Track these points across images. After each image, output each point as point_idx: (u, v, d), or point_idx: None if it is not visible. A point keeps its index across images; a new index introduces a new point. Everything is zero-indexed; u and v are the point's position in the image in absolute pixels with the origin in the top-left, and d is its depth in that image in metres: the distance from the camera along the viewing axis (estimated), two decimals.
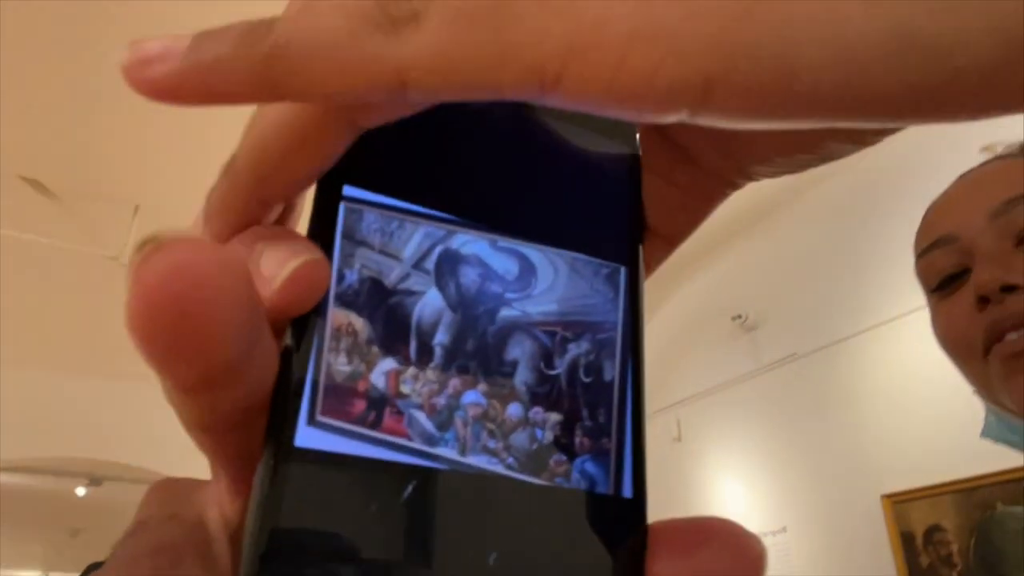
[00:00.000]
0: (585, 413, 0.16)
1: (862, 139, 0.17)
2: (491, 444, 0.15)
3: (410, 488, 0.14)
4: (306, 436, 0.13)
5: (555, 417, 0.16)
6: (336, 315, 0.14)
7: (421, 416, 0.15)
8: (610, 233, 0.18)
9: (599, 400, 0.16)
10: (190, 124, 2.94)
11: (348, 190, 0.15)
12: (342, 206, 0.15)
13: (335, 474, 0.13)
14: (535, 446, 0.15)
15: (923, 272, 0.66)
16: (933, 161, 2.70)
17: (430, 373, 0.15)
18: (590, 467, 0.16)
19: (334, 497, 0.13)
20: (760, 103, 0.12)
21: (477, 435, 0.15)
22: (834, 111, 0.13)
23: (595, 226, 0.18)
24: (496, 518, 0.14)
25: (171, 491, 0.16)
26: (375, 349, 0.15)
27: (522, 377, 0.16)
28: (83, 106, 2.81)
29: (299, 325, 0.14)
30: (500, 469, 0.15)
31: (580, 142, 0.18)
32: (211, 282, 0.11)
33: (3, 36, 2.42)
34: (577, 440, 0.16)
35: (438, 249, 0.16)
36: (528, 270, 0.17)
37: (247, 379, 0.13)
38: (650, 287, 0.18)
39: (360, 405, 0.14)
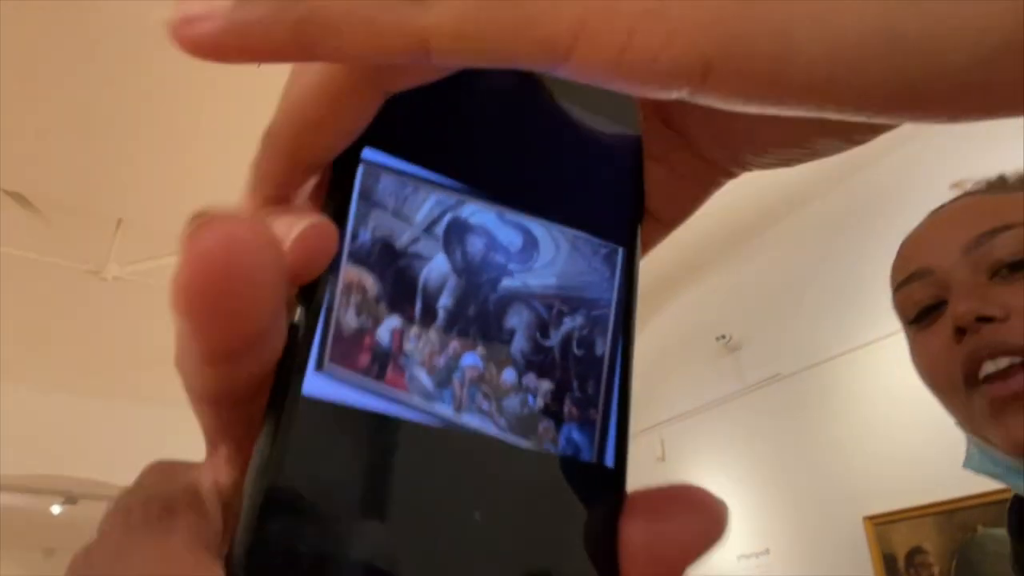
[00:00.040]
0: (575, 384, 0.17)
1: (850, 136, 0.17)
2: (485, 406, 0.16)
3: (405, 443, 0.15)
4: (314, 384, 0.14)
5: (547, 385, 0.16)
6: (348, 272, 0.15)
7: (421, 373, 0.15)
8: (610, 214, 0.19)
9: (589, 373, 0.17)
10: (172, 138, 2.93)
11: (367, 153, 0.16)
12: (360, 168, 0.16)
13: (337, 424, 0.14)
14: (526, 411, 0.16)
15: (900, 304, 0.68)
16: (915, 186, 2.75)
17: (432, 334, 0.16)
18: (576, 435, 0.16)
19: (334, 446, 0.14)
20: (753, 87, 0.13)
21: (472, 396, 0.16)
22: (822, 101, 0.14)
23: (597, 206, 0.18)
24: (484, 477, 0.15)
25: (164, 465, 0.16)
26: (382, 307, 0.15)
27: (518, 345, 0.16)
28: (67, 120, 2.80)
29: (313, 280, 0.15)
30: (491, 430, 0.16)
31: (588, 126, 0.19)
32: (251, 255, 0.13)
33: None
34: (566, 409, 0.16)
35: (448, 216, 0.17)
36: (531, 244, 0.17)
37: (265, 349, 0.14)
38: None
39: (366, 357, 0.15)
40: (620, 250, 0.18)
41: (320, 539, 0.13)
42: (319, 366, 0.14)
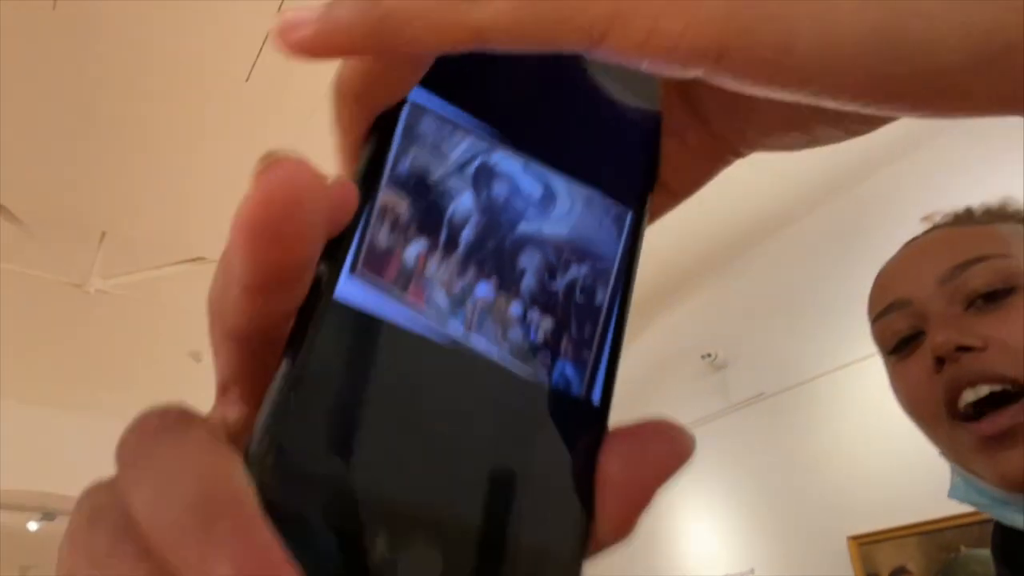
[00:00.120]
0: (574, 326, 0.18)
1: (847, 127, 0.19)
2: (491, 332, 0.17)
3: (417, 356, 0.16)
4: (345, 288, 0.16)
5: (548, 322, 0.18)
6: (386, 195, 0.17)
7: (439, 295, 0.17)
8: (625, 179, 0.20)
9: (587, 318, 0.19)
10: (157, 152, 2.92)
11: (414, 93, 0.18)
12: (407, 106, 0.18)
13: (359, 330, 0.16)
14: (527, 343, 0.18)
15: (879, 335, 0.69)
16: (899, 207, 2.78)
17: (453, 261, 0.17)
18: (569, 371, 0.18)
19: (354, 351, 0.16)
20: (759, 71, 0.16)
21: (482, 322, 0.17)
22: (819, 88, 0.16)
23: (614, 170, 0.20)
24: (482, 397, 0.17)
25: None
26: (412, 230, 0.17)
27: (527, 283, 0.18)
28: (51, 133, 2.79)
29: (361, 185, 0.17)
30: (494, 355, 0.17)
31: (614, 98, 0.21)
32: (309, 192, 0.15)
33: None
34: (563, 346, 0.18)
35: (479, 159, 0.19)
36: (550, 195, 0.19)
37: (299, 286, 0.16)
38: None
39: (392, 272, 0.17)
40: (630, 213, 0.20)
41: (333, 439, 0.15)
42: (352, 269, 0.16)
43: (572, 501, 0.17)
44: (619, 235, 0.20)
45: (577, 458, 0.17)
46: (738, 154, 0.22)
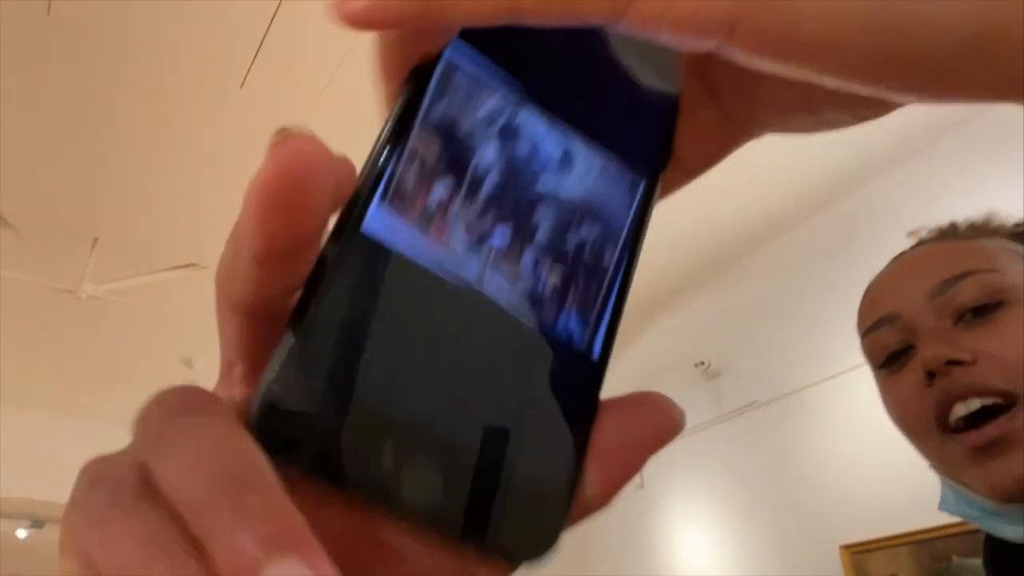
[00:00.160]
0: (581, 283, 0.19)
1: (855, 111, 0.21)
2: (503, 280, 0.18)
3: (430, 295, 0.17)
4: (373, 220, 0.17)
5: (556, 277, 0.19)
6: (418, 138, 0.18)
7: (458, 238, 0.18)
8: (642, 151, 0.22)
9: (593, 278, 0.20)
10: (149, 157, 2.92)
11: (452, 43, 0.19)
12: (444, 58, 0.19)
13: (379, 265, 0.17)
14: (535, 293, 0.19)
15: (869, 349, 0.70)
16: (892, 217, 2.79)
17: (473, 208, 0.18)
18: (572, 325, 0.19)
19: (373, 283, 0.17)
20: (767, 45, 0.17)
21: (495, 268, 0.18)
22: (823, 65, 0.17)
23: (632, 141, 0.21)
24: (489, 341, 0.18)
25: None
26: (437, 174, 0.18)
27: (541, 237, 0.19)
28: (43, 139, 2.78)
29: (393, 127, 0.18)
30: (503, 302, 0.18)
31: (637, 72, 0.22)
32: (320, 165, 0.16)
33: None
34: (568, 301, 0.19)
35: (507, 114, 0.20)
36: (569, 157, 0.20)
37: (305, 262, 0.16)
38: None
39: (417, 210, 0.18)
40: (643, 183, 0.21)
41: (348, 357, 0.16)
42: (381, 200, 0.17)
43: (566, 445, 0.18)
44: (631, 203, 0.21)
45: (573, 406, 0.18)
46: (751, 134, 0.23)
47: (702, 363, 3.68)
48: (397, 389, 0.16)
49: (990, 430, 0.59)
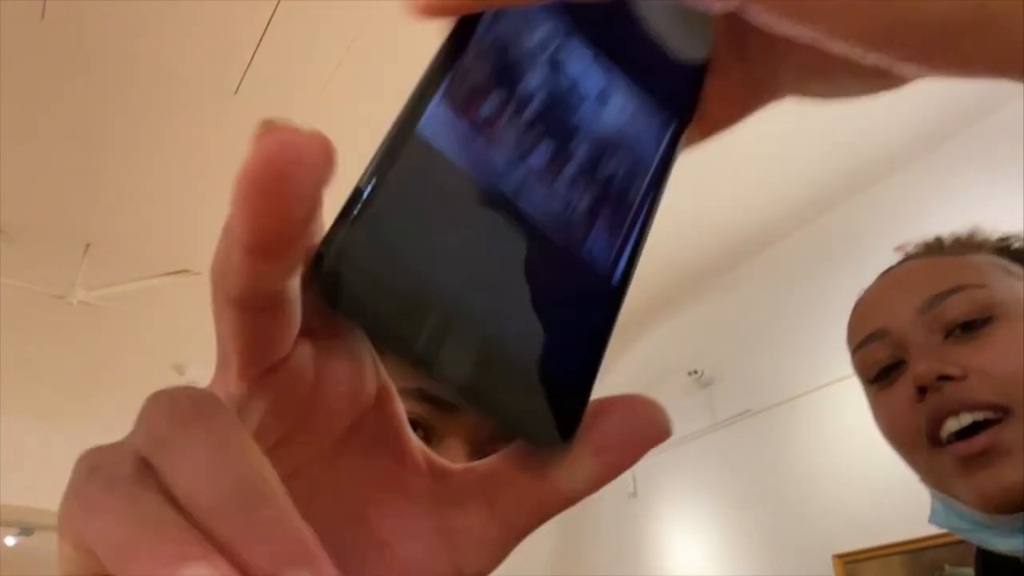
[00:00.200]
0: (608, 210, 0.20)
1: (866, 81, 0.22)
2: (539, 194, 0.19)
3: (473, 202, 0.18)
4: (429, 122, 0.18)
5: (587, 201, 0.20)
6: (472, 56, 0.19)
7: (501, 151, 0.19)
8: (672, 101, 0.23)
9: (620, 207, 0.21)
10: (141, 162, 2.91)
11: None
12: None
13: (429, 166, 0.18)
14: (566, 214, 0.20)
15: (860, 365, 0.70)
16: (883, 227, 2.80)
17: (518, 126, 0.20)
18: (597, 249, 0.20)
19: (422, 183, 0.17)
20: (783, 7, 0.18)
21: (533, 183, 0.19)
22: (830, 27, 0.18)
23: (665, 91, 0.23)
24: (520, 254, 0.19)
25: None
26: (489, 89, 0.19)
27: (576, 161, 0.20)
28: (35, 144, 2.77)
29: (451, 44, 0.19)
30: (536, 217, 0.19)
31: (675, 28, 0.24)
32: (307, 153, 0.16)
33: None
34: (596, 225, 0.20)
35: (556, 43, 0.21)
36: (609, 90, 0.22)
37: (298, 254, 0.16)
38: None
39: (470, 115, 0.19)
40: (670, 130, 0.23)
41: (393, 243, 0.17)
42: (441, 101, 0.18)
43: (585, 347, 0.19)
44: (657, 147, 0.22)
45: (595, 319, 0.19)
46: (773, 96, 0.25)
47: (695, 372, 3.69)
48: (445, 271, 0.17)
49: (979, 441, 0.60)
